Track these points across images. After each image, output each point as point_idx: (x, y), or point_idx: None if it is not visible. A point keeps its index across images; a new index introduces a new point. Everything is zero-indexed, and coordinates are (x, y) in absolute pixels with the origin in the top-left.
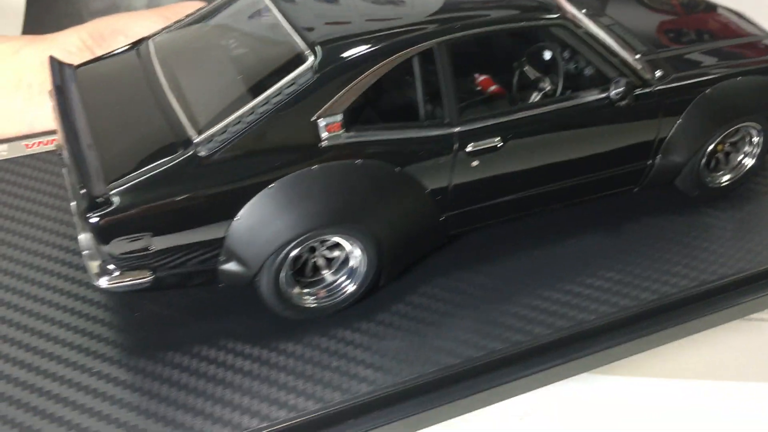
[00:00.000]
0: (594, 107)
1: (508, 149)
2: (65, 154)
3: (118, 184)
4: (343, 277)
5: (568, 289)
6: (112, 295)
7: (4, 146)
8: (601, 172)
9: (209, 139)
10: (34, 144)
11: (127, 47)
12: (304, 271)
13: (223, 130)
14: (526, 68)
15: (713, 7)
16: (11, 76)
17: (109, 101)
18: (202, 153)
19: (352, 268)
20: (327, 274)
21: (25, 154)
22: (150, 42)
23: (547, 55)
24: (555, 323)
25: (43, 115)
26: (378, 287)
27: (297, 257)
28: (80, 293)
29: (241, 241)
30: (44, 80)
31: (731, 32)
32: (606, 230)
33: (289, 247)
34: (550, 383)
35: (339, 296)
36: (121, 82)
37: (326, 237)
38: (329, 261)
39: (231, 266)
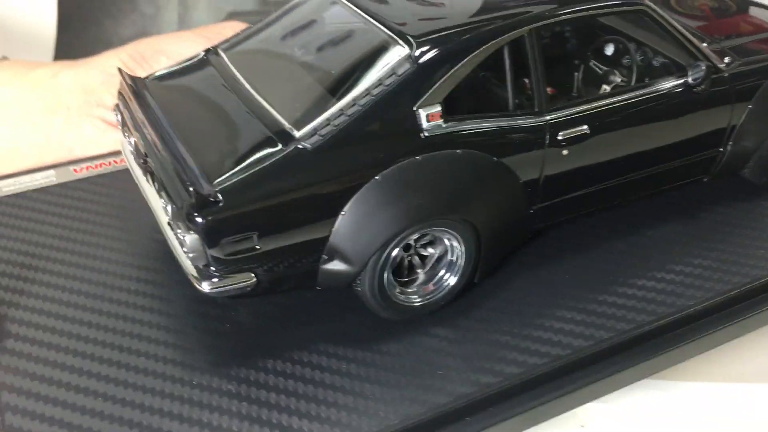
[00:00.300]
0: (674, 93)
1: (595, 138)
2: (153, 160)
3: (224, 181)
4: (443, 271)
5: (621, 291)
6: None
7: (51, 172)
8: (678, 161)
9: (312, 133)
10: (82, 169)
11: (191, 60)
12: (400, 270)
13: (326, 123)
14: (592, 63)
15: (745, 9)
16: (50, 99)
17: (190, 107)
18: (308, 146)
19: (451, 261)
20: (421, 273)
21: (75, 179)
22: (219, 50)
23: (610, 48)
24: (615, 326)
25: (84, 138)
26: (473, 284)
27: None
28: (162, 308)
29: (346, 238)
30: (83, 103)
31: None
32: (671, 224)
33: (396, 241)
34: (613, 390)
35: (440, 292)
36: (198, 88)
37: (430, 230)
38: (423, 259)
39: (334, 265)
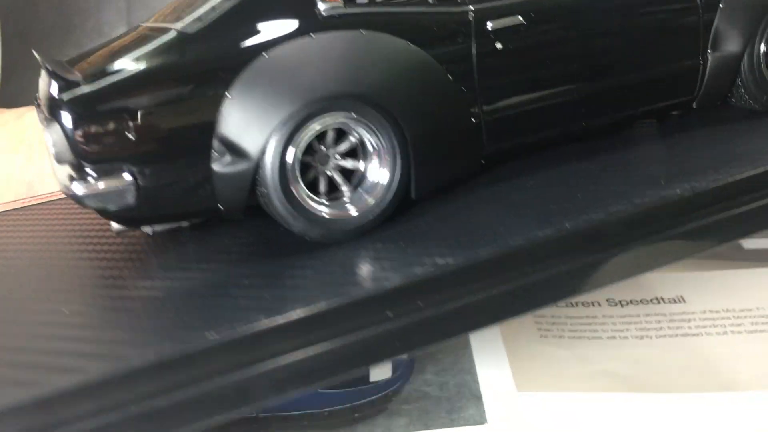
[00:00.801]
0: None
1: (533, 31)
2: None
3: (95, 71)
4: (371, 173)
5: None
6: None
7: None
8: (646, 71)
9: (196, 20)
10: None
11: None
12: (318, 189)
13: (211, 11)
14: None
15: None
16: (12, 138)
17: None
18: (188, 31)
19: (376, 156)
20: (347, 189)
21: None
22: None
23: None
24: None
25: (42, 173)
26: (411, 201)
27: (307, 166)
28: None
29: (235, 125)
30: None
31: None
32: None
33: (294, 124)
34: None
35: (370, 197)
36: None
37: (334, 117)
38: (350, 176)
39: (227, 164)
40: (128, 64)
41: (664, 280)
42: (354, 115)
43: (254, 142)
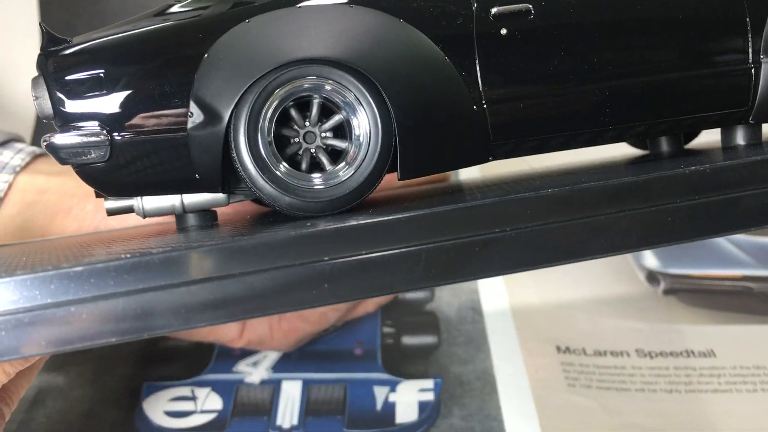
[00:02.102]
0: None
1: (543, 20)
2: None
3: (87, 36)
4: (353, 146)
5: None
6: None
7: None
8: (679, 73)
9: None
10: None
11: None
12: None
13: None
14: None
15: None
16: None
17: None
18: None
19: (358, 138)
20: (330, 167)
21: None
22: None
23: None
24: None
25: None
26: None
27: (284, 140)
28: None
29: (209, 84)
30: None
31: None
32: None
33: (272, 84)
34: None
35: (351, 171)
36: None
37: (314, 79)
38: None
39: (201, 125)
40: (115, 29)
41: (694, 333)
42: (331, 81)
43: (227, 102)
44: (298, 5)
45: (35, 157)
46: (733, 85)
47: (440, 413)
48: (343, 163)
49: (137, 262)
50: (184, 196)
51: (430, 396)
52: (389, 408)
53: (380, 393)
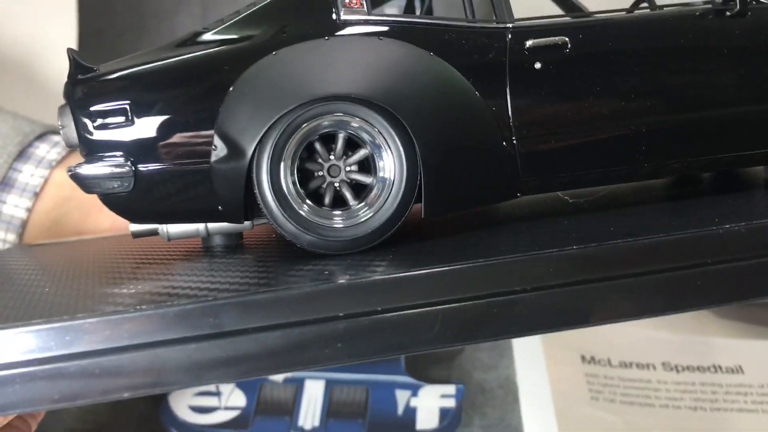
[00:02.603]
0: (697, 15)
1: (580, 53)
2: None
3: (114, 63)
4: (378, 185)
5: None
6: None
7: None
8: (721, 108)
9: (221, 20)
10: None
11: None
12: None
13: (237, 12)
14: None
15: None
16: None
17: None
18: (206, 29)
19: (383, 178)
20: (355, 204)
21: None
22: None
23: None
24: None
25: None
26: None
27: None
28: None
29: (234, 117)
30: None
31: None
32: None
33: (293, 121)
34: None
35: (374, 212)
36: None
37: (340, 116)
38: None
39: (224, 157)
40: (142, 58)
41: (723, 346)
42: (357, 118)
43: (250, 138)
44: (326, 37)
45: (72, 150)
46: None
47: (461, 421)
48: (363, 204)
49: (151, 316)
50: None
51: (451, 402)
52: (410, 413)
53: (402, 397)
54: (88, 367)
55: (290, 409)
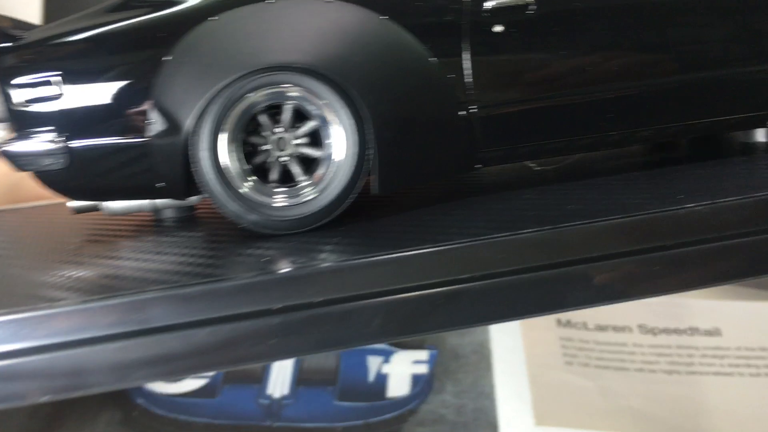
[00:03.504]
0: None
1: (543, 15)
2: None
3: (38, 29)
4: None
5: None
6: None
7: None
8: (698, 72)
9: None
10: None
11: None
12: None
13: None
14: None
15: None
16: None
17: None
18: None
19: (330, 153)
20: (304, 180)
21: None
22: None
23: None
24: None
25: None
26: (367, 199)
27: (253, 151)
28: None
29: (171, 88)
30: None
31: None
32: None
33: (237, 93)
34: None
35: (318, 189)
36: None
37: (278, 90)
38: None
39: (161, 132)
40: (72, 25)
41: (701, 308)
42: (302, 89)
43: (188, 111)
44: (268, 1)
45: None
46: (753, 87)
47: (433, 388)
48: (309, 181)
49: (71, 313)
50: None
51: (424, 369)
52: (381, 380)
53: (374, 363)
54: (1, 369)
55: (259, 377)
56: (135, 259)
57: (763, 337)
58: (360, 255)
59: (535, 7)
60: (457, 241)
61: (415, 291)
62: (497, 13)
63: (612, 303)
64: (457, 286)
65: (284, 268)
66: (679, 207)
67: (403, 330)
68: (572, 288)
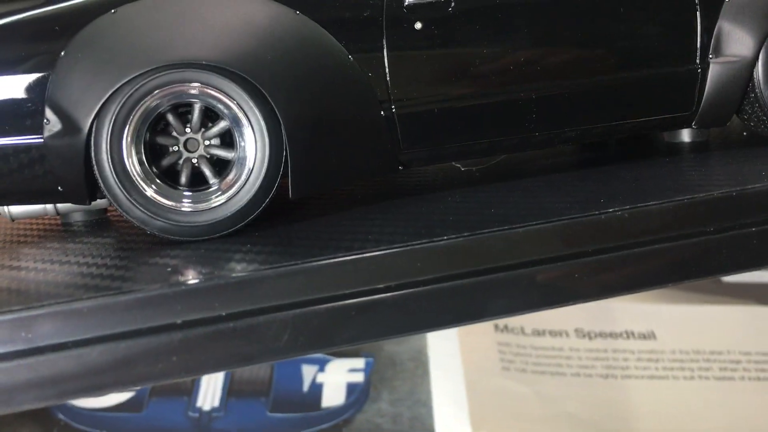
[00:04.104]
0: None
1: (465, 11)
2: None
3: None
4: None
5: None
6: None
7: None
8: (621, 73)
9: None
10: None
11: None
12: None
13: None
14: None
15: None
16: None
17: None
18: None
19: (243, 156)
20: (216, 183)
21: None
22: None
23: None
24: None
25: None
26: (287, 200)
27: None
28: None
29: (69, 90)
30: None
31: None
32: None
33: (139, 91)
34: None
35: (228, 194)
36: None
37: (192, 85)
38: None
39: (58, 133)
40: None
41: (636, 312)
42: (211, 86)
43: (86, 110)
44: None
45: None
46: (680, 88)
47: (369, 396)
48: (217, 186)
49: None
50: None
51: (359, 377)
52: (316, 389)
53: (308, 372)
54: None
55: (188, 389)
56: (35, 270)
57: (696, 340)
58: (270, 264)
59: (453, 4)
60: (373, 249)
61: (327, 303)
62: (418, 9)
63: (533, 311)
64: (372, 297)
65: (187, 279)
66: (600, 212)
67: (314, 344)
68: (492, 297)
